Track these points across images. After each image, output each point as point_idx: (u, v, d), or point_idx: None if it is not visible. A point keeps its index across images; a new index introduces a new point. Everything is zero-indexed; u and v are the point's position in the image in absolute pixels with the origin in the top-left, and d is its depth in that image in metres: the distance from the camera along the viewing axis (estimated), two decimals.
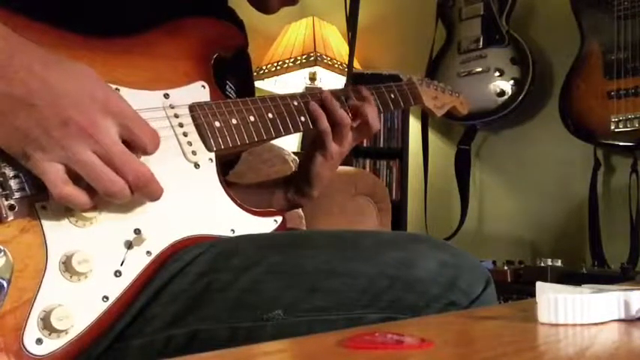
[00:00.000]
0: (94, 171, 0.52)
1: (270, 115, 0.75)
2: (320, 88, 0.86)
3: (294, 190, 0.88)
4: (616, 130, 2.02)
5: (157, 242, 0.61)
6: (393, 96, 0.93)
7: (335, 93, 0.83)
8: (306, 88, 2.65)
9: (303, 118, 0.79)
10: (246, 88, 0.93)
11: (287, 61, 2.65)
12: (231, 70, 0.86)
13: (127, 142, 0.55)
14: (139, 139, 0.55)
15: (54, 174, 0.51)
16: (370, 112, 0.83)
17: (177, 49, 0.72)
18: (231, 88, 0.86)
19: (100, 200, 0.55)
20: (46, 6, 0.62)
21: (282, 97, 0.78)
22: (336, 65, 2.65)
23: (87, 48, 0.64)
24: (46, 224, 0.54)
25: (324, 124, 0.80)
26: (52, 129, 0.50)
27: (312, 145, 0.84)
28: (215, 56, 0.76)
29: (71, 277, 0.54)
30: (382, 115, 0.92)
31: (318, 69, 2.67)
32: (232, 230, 0.68)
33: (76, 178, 0.52)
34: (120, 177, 0.53)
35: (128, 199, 0.55)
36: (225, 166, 0.89)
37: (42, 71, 0.51)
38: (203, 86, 0.72)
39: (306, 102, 0.80)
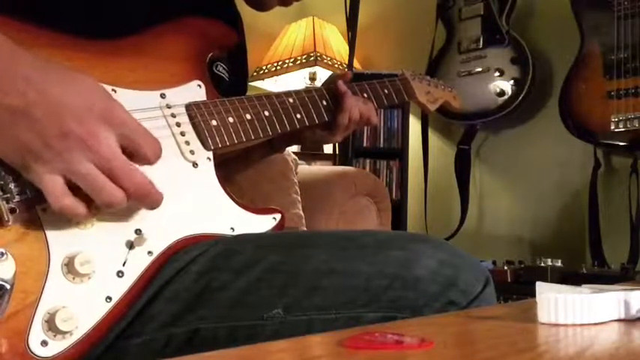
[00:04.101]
0: (93, 183, 0.51)
1: (266, 113, 0.76)
2: (316, 87, 0.87)
3: (279, 141, 0.93)
4: (616, 130, 2.02)
5: (158, 242, 0.61)
6: (386, 91, 0.93)
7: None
8: (306, 87, 2.65)
9: (299, 116, 0.79)
10: (240, 76, 0.93)
11: (287, 61, 2.65)
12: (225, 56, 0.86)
13: (127, 152, 0.54)
14: (140, 149, 0.54)
15: (53, 186, 0.50)
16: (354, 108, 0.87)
17: (173, 49, 0.72)
18: (224, 68, 0.85)
19: (99, 208, 0.55)
20: (42, 8, 0.62)
21: (278, 95, 0.79)
22: (336, 65, 2.65)
23: (82, 49, 0.64)
24: (48, 226, 0.54)
25: (345, 118, 0.85)
26: (52, 141, 0.49)
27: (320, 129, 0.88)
28: (210, 55, 0.76)
29: (74, 278, 0.54)
30: (378, 111, 0.94)
31: (318, 69, 2.67)
32: (232, 228, 0.68)
33: (75, 189, 0.52)
34: (119, 188, 0.52)
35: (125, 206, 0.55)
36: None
37: (40, 81, 0.50)
38: (199, 85, 0.72)
39: (302, 99, 0.81)
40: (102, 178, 0.51)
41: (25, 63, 0.51)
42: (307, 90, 0.83)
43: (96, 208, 0.54)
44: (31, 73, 0.50)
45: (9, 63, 0.50)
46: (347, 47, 2.45)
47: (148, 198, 0.55)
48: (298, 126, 0.80)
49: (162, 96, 0.68)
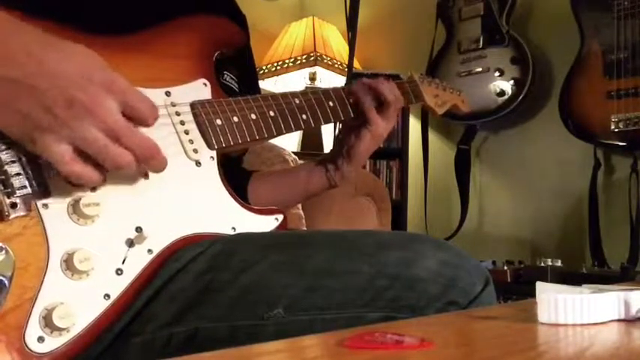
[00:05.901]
0: (101, 147, 0.52)
1: (271, 113, 0.75)
2: (320, 88, 0.86)
3: (333, 168, 0.91)
4: (616, 130, 2.02)
5: (159, 240, 0.61)
6: None
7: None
8: (307, 88, 2.65)
9: (304, 116, 0.79)
10: (249, 80, 0.93)
11: (287, 61, 2.65)
12: (231, 61, 0.86)
13: (127, 117, 0.55)
14: (139, 113, 0.55)
15: (62, 154, 0.51)
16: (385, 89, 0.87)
17: (179, 47, 0.72)
18: (232, 78, 0.86)
19: (106, 180, 0.55)
20: (48, 4, 0.62)
21: (284, 95, 0.79)
22: (336, 65, 2.65)
23: (89, 45, 0.64)
24: (48, 222, 0.54)
25: (369, 100, 0.85)
26: (57, 110, 0.50)
27: (355, 125, 0.87)
28: (217, 54, 0.76)
29: (73, 275, 0.54)
30: None
31: (318, 69, 2.67)
32: (233, 228, 0.68)
33: (83, 158, 0.52)
34: (127, 151, 0.53)
35: (134, 171, 0.56)
36: (236, 160, 0.90)
37: (39, 53, 0.51)
38: (205, 84, 0.72)
39: (308, 100, 0.81)
40: (109, 142, 0.52)
41: (24, 35, 0.52)
42: (314, 91, 0.83)
43: (104, 176, 0.54)
44: (32, 46, 0.51)
45: (9, 36, 0.51)
46: (347, 47, 2.45)
47: (153, 160, 0.56)
48: (304, 127, 0.79)
49: (167, 94, 0.68)
